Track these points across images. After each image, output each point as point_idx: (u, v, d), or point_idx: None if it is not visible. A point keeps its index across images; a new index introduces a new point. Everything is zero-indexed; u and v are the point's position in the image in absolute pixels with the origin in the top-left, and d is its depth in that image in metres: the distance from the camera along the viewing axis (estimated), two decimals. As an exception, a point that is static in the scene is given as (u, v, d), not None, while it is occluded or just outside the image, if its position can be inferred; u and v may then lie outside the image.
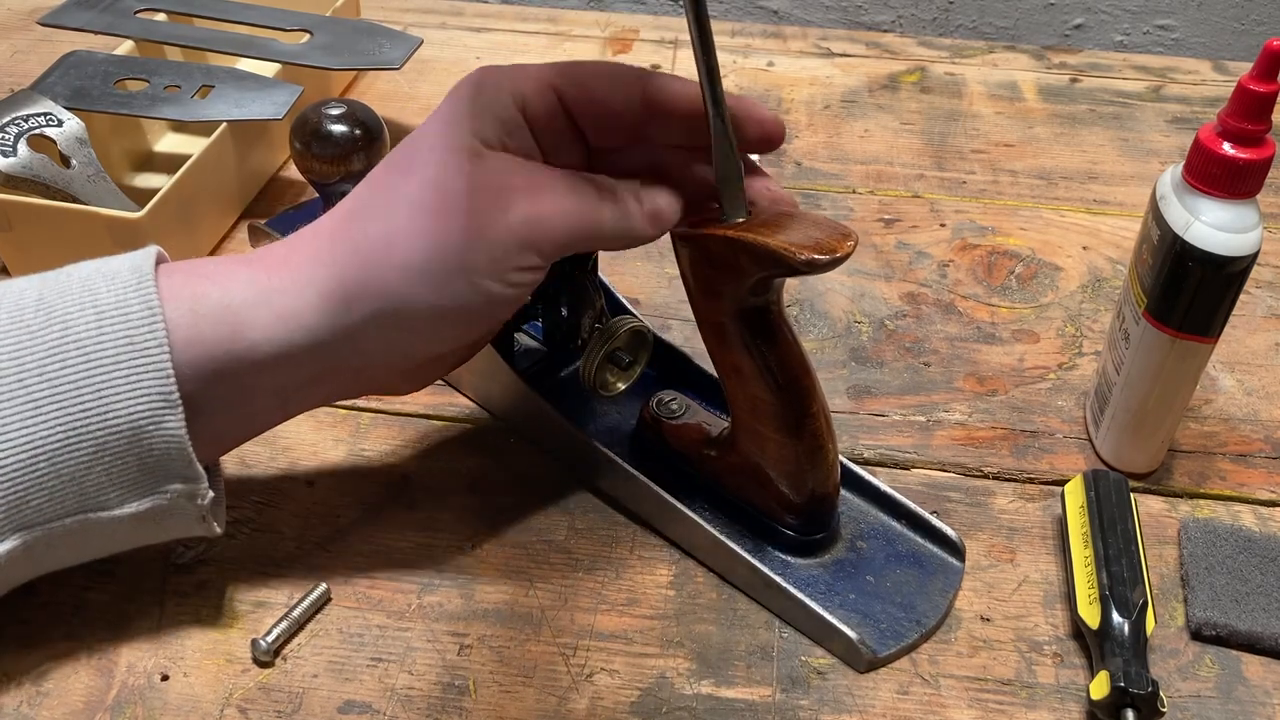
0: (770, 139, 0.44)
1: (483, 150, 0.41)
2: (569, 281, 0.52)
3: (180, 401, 0.41)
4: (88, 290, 0.41)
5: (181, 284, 0.42)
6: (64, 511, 0.41)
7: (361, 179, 0.61)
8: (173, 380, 0.40)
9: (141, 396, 0.40)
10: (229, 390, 0.42)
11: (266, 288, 0.42)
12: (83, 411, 0.40)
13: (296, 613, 0.47)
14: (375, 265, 0.41)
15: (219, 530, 0.45)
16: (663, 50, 0.89)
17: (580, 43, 0.90)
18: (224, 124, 0.67)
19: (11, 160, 0.61)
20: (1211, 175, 0.46)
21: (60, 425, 0.40)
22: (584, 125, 0.44)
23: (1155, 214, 0.48)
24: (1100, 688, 0.43)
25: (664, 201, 0.43)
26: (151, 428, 0.41)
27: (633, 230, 0.43)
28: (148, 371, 0.40)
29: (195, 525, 0.44)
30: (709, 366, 0.49)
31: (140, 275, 0.41)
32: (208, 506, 0.44)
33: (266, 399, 0.44)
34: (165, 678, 0.45)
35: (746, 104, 0.44)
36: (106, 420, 0.40)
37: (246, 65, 0.73)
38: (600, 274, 0.54)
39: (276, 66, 0.72)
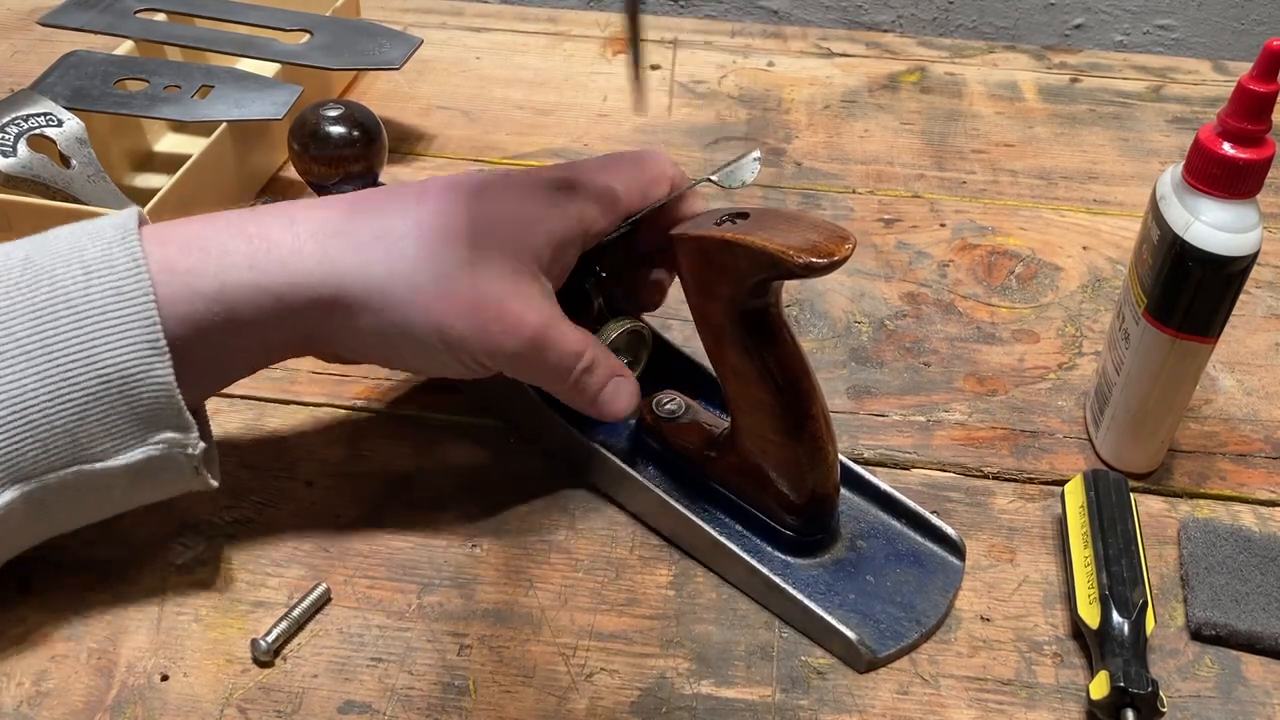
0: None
1: (537, 274, 0.46)
2: (566, 283, 0.52)
3: (168, 349, 0.42)
4: (74, 248, 0.43)
5: (176, 256, 0.43)
6: (59, 463, 0.42)
7: (359, 181, 0.61)
8: (159, 329, 0.42)
9: (130, 345, 0.42)
10: (215, 350, 0.44)
11: (264, 273, 0.44)
12: (73, 362, 0.41)
13: (296, 613, 0.47)
14: (379, 308, 0.45)
15: (214, 483, 0.46)
16: (662, 50, 0.89)
17: (580, 43, 0.90)
18: (224, 124, 0.67)
19: (11, 160, 0.61)
20: (1211, 175, 0.46)
21: (52, 376, 0.41)
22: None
23: (1155, 214, 0.48)
24: (1100, 688, 0.43)
25: (622, 405, 0.49)
26: (140, 375, 0.42)
27: (579, 406, 0.49)
28: (135, 322, 0.42)
29: (190, 479, 0.45)
30: (709, 366, 0.49)
31: (125, 231, 0.43)
32: (199, 457, 0.44)
33: (253, 356, 0.47)
34: (165, 678, 0.45)
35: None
36: (97, 369, 0.41)
37: (246, 65, 0.73)
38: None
39: (276, 66, 0.72)
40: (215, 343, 0.44)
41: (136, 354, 0.42)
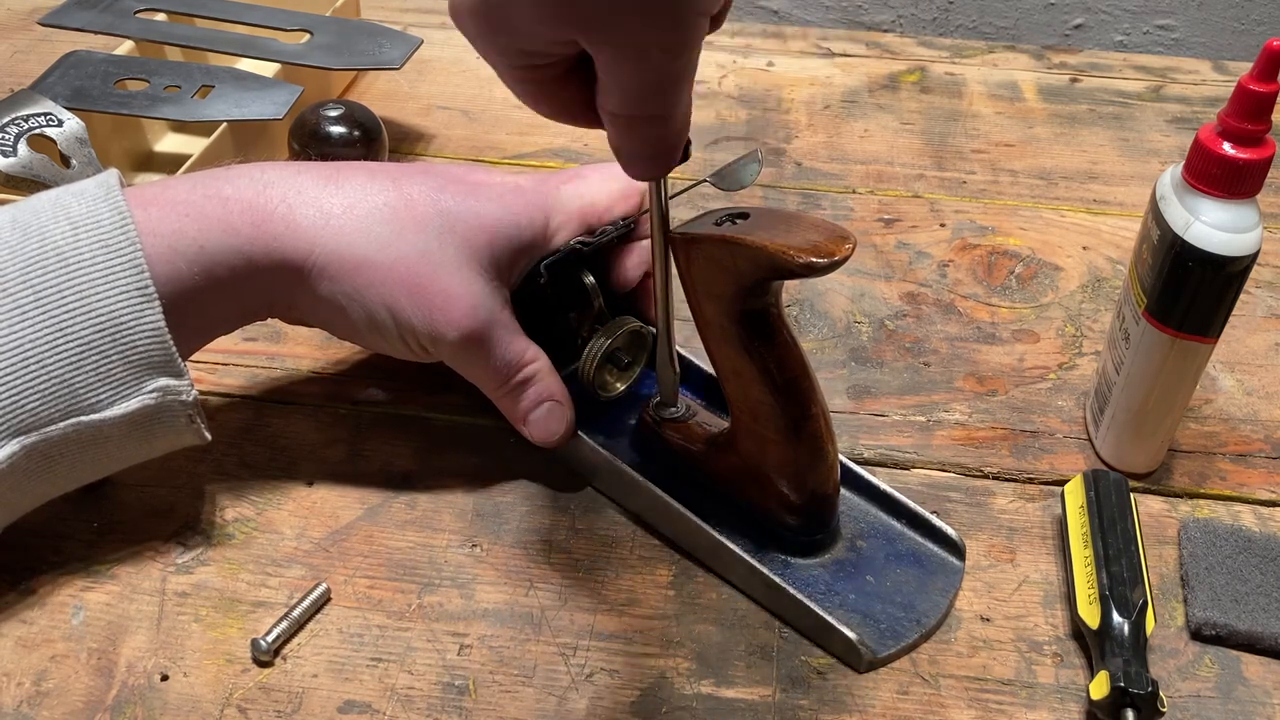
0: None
1: (492, 277, 0.48)
2: (567, 283, 0.52)
3: (157, 295, 0.43)
4: (59, 207, 0.44)
5: (159, 219, 0.45)
6: (58, 414, 0.43)
7: None
8: (148, 276, 0.43)
9: (120, 293, 0.43)
10: (197, 307, 0.46)
11: (238, 235, 0.46)
12: (66, 312, 0.43)
13: (296, 613, 0.47)
14: (335, 276, 0.47)
15: (208, 437, 0.47)
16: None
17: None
18: (224, 124, 0.67)
19: (11, 160, 0.61)
20: (1211, 175, 0.46)
21: (46, 327, 0.42)
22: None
23: (1155, 214, 0.48)
24: (1100, 688, 0.43)
25: (549, 429, 0.51)
26: (132, 321, 0.43)
27: (510, 418, 0.51)
28: (124, 271, 0.43)
29: (185, 432, 0.47)
30: (709, 366, 0.49)
31: (108, 189, 0.45)
32: (194, 405, 0.46)
33: (230, 313, 0.49)
34: (165, 678, 0.45)
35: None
36: (90, 317, 0.43)
37: (246, 65, 0.73)
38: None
39: (276, 66, 0.72)
40: (196, 300, 0.45)
41: (127, 301, 0.43)
